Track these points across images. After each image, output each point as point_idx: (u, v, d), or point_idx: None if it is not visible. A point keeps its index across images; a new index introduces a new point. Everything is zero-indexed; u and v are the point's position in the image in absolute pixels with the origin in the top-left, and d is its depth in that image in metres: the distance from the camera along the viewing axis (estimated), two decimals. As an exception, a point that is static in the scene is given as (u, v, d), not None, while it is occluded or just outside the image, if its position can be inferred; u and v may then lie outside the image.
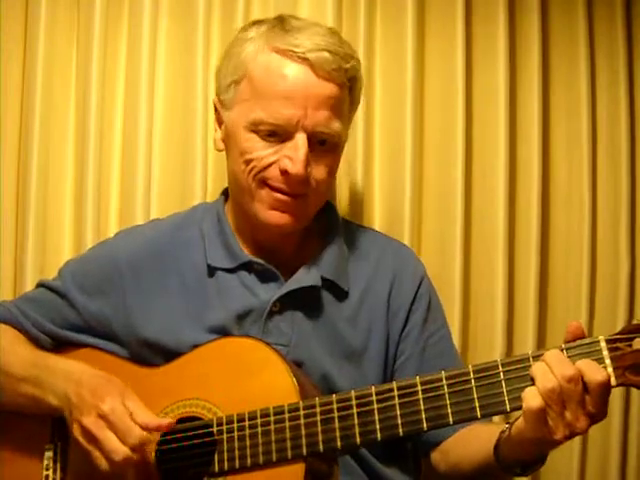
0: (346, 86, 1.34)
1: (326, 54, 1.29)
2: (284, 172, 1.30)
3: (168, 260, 1.42)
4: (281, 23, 1.34)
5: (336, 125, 1.32)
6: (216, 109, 1.41)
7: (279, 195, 1.32)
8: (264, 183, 1.33)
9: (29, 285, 1.70)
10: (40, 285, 1.50)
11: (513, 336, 1.92)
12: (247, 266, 1.39)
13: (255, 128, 1.31)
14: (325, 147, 1.33)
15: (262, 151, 1.31)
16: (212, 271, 1.40)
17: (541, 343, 1.94)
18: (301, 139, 1.29)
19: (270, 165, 1.31)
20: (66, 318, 1.43)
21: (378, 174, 1.90)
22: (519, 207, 1.94)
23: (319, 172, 1.33)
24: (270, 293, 1.37)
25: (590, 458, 1.95)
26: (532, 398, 1.06)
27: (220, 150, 1.41)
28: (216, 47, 1.84)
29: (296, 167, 1.29)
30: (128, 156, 1.80)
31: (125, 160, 1.81)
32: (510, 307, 1.91)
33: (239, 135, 1.33)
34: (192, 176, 1.80)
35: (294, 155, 1.29)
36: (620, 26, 1.98)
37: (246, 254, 1.40)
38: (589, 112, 1.96)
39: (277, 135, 1.30)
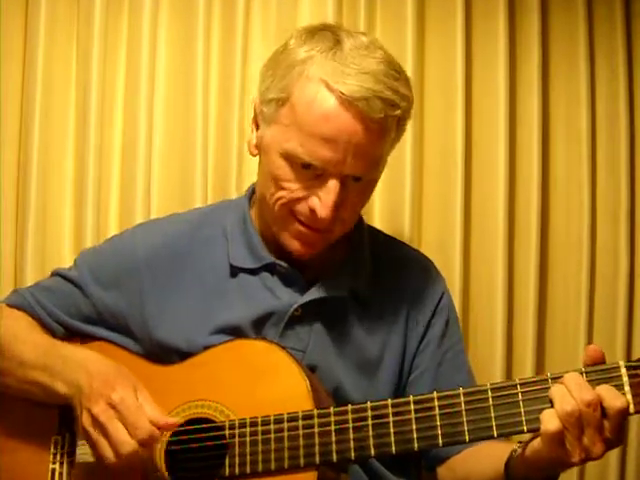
0: (391, 131, 1.28)
1: (377, 102, 1.21)
2: (312, 211, 1.27)
3: (188, 258, 1.39)
4: (335, 47, 1.24)
5: (371, 171, 1.28)
6: (255, 112, 1.35)
7: (304, 229, 1.30)
8: (291, 214, 1.30)
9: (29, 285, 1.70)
10: (56, 274, 1.47)
11: (513, 335, 1.94)
12: (270, 268, 1.37)
13: (289, 158, 1.26)
14: (359, 184, 1.29)
15: (294, 183, 1.27)
16: (234, 271, 1.38)
17: (540, 343, 1.96)
18: (334, 184, 1.24)
19: (300, 200, 1.27)
20: (81, 309, 1.41)
21: (378, 174, 1.90)
22: (519, 207, 1.96)
23: (349, 208, 1.30)
24: (292, 297, 1.35)
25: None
26: (550, 421, 1.06)
27: (253, 156, 1.36)
28: (216, 45, 1.84)
29: (324, 211, 1.25)
30: (128, 156, 1.79)
31: (125, 160, 1.80)
32: (510, 306, 1.93)
33: (272, 158, 1.28)
34: (192, 176, 1.79)
35: (324, 198, 1.25)
36: (619, 24, 2.00)
37: (270, 255, 1.38)
38: (589, 110, 1.97)
39: (311, 168, 1.25)
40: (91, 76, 1.76)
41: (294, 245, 1.32)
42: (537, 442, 1.10)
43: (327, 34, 1.28)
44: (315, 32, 1.29)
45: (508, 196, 1.92)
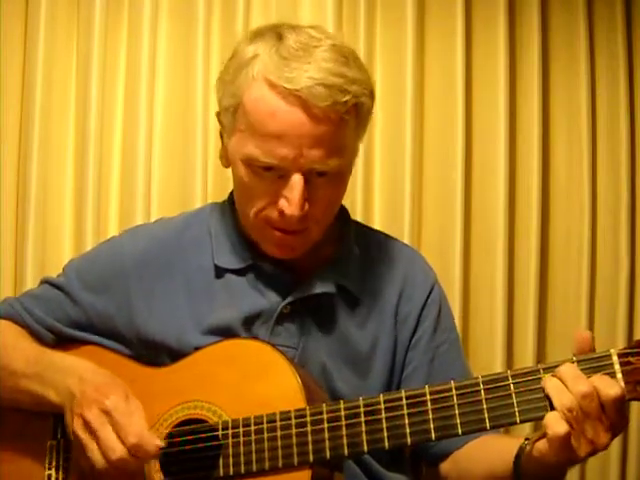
0: (346, 118, 1.26)
1: (321, 90, 1.20)
2: (282, 213, 1.27)
3: (175, 260, 1.40)
4: (279, 43, 1.26)
5: (333, 161, 1.25)
6: (220, 125, 1.36)
7: (280, 234, 1.30)
8: (266, 223, 1.30)
9: (29, 285, 1.71)
10: (44, 282, 1.47)
11: (513, 335, 1.94)
12: (256, 267, 1.37)
13: (250, 163, 1.26)
14: (325, 178, 1.28)
15: (260, 189, 1.28)
16: (220, 272, 1.38)
17: (541, 342, 1.96)
18: (296, 179, 1.24)
19: (270, 205, 1.28)
20: (69, 315, 1.41)
21: (378, 174, 1.90)
22: (519, 207, 1.96)
23: (319, 205, 1.29)
24: (280, 295, 1.35)
25: (591, 458, 1.96)
26: (557, 424, 1.04)
27: (225, 167, 1.37)
28: (216, 47, 1.85)
29: (291, 209, 1.25)
30: (128, 156, 1.80)
31: (125, 160, 1.81)
32: (510, 306, 1.93)
33: (238, 166, 1.29)
34: (192, 176, 1.80)
35: (290, 196, 1.24)
36: (620, 25, 2.00)
37: (254, 256, 1.38)
38: (589, 111, 1.98)
39: (273, 170, 1.25)
40: (91, 76, 1.77)
41: (275, 252, 1.33)
42: (543, 445, 1.08)
43: (271, 32, 1.29)
44: (260, 32, 1.31)
45: (508, 196, 1.92)
